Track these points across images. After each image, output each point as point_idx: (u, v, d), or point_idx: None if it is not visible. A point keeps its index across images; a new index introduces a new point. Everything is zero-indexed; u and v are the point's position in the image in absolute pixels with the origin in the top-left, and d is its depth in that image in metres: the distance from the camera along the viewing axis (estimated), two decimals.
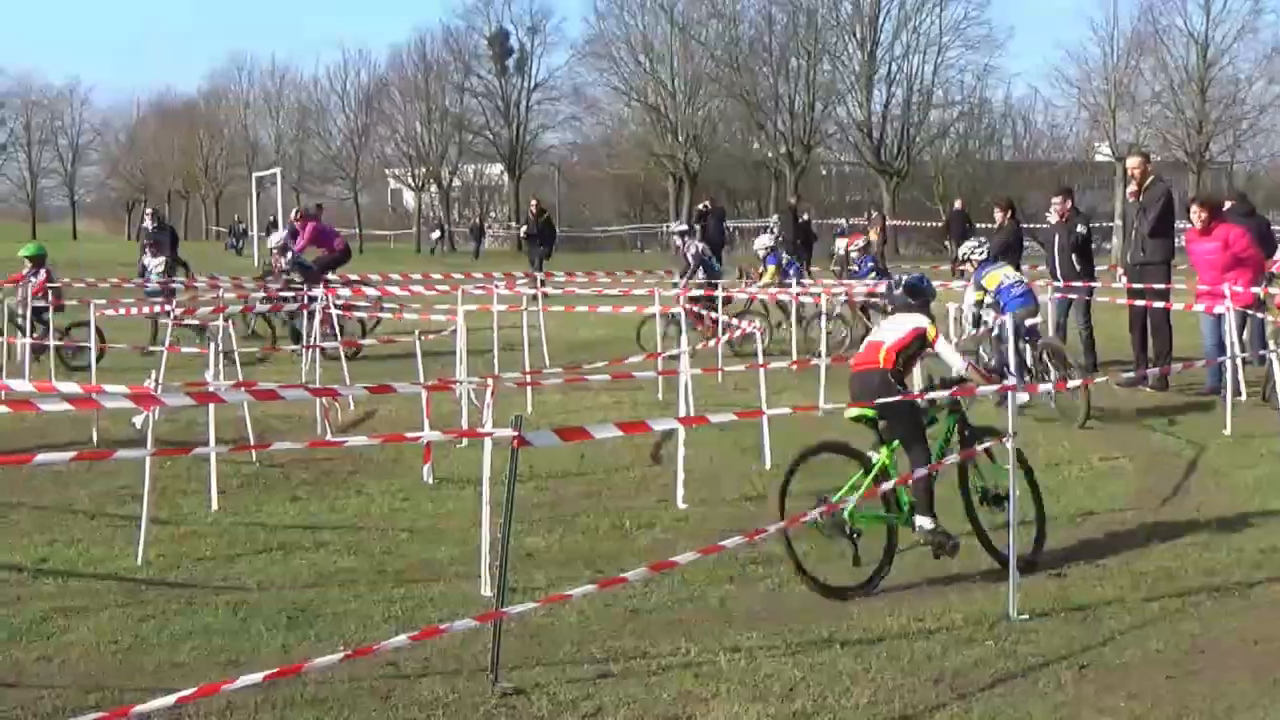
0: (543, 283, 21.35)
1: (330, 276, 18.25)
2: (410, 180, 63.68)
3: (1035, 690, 5.41)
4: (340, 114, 66.32)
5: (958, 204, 33.50)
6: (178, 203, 78.84)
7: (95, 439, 11.12)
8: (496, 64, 59.34)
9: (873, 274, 17.53)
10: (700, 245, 19.59)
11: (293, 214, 22.48)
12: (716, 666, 5.65)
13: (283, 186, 46.62)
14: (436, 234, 58.70)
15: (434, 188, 62.97)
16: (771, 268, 18.00)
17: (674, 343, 13.33)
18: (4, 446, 9.99)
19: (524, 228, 32.22)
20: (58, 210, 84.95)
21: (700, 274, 18.25)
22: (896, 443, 7.10)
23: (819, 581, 6.71)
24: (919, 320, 7.39)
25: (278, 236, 20.30)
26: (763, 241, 18.90)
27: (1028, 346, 12.48)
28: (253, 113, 71.57)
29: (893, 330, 7.42)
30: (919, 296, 7.67)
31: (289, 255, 18.75)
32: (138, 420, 8.41)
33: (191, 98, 77.15)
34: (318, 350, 13.98)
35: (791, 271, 18.05)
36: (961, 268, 14.85)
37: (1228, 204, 15.24)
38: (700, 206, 35.10)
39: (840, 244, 35.14)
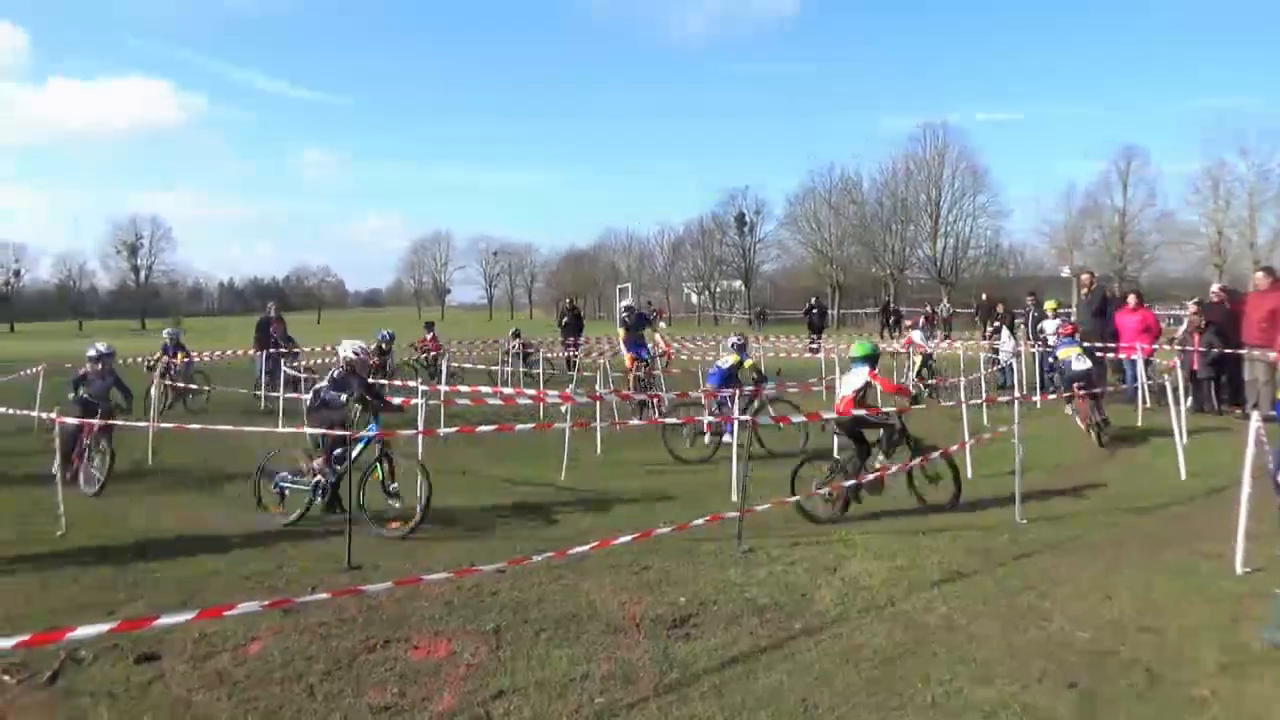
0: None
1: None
2: (694, 287, 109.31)
3: None
4: (660, 254, 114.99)
5: None
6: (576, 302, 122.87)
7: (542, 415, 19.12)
8: (738, 227, 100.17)
9: None
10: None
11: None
12: None
13: (630, 291, 71.02)
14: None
15: (705, 292, 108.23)
16: None
17: None
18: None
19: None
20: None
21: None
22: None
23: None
24: None
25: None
26: None
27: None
28: (615, 254, 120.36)
29: None
30: None
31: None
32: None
33: (587, 248, 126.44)
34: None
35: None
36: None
37: None
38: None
39: None
